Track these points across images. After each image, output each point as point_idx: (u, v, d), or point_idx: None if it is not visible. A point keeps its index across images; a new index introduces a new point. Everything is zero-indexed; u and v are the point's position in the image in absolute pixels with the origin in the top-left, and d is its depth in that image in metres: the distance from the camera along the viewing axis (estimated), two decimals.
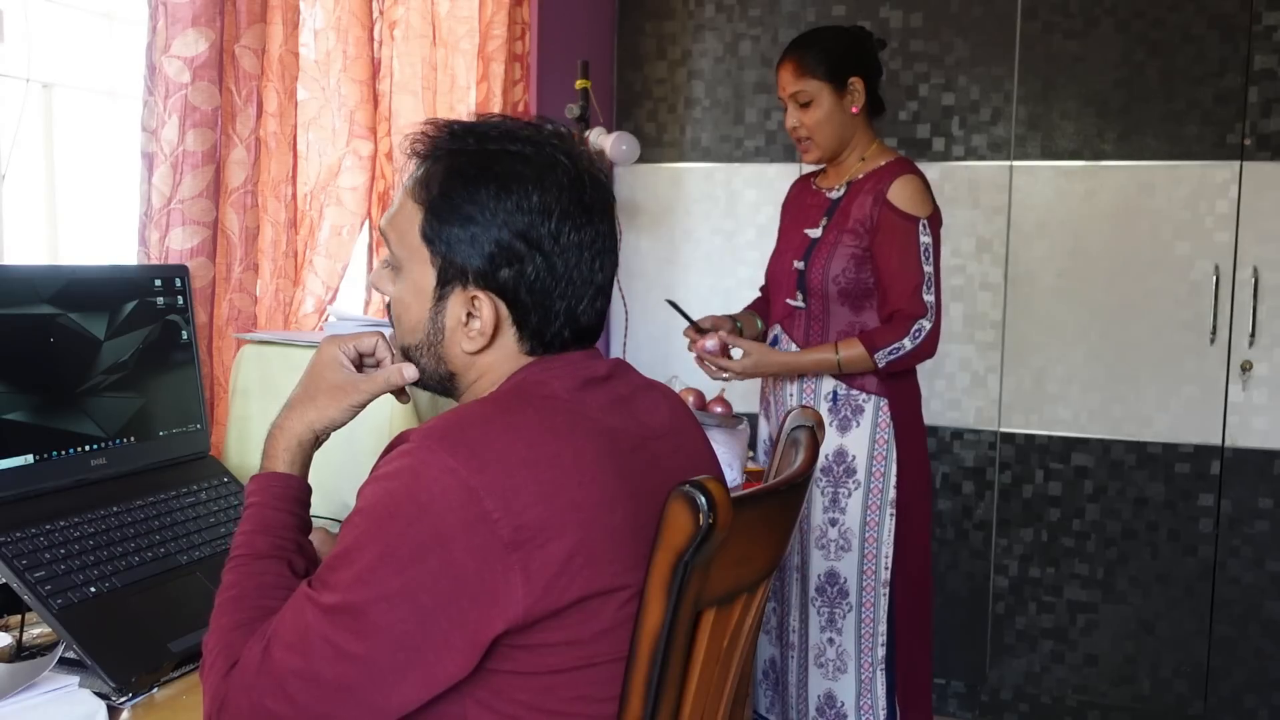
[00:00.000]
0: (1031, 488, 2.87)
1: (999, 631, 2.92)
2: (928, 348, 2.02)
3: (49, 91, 1.65)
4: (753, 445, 2.36)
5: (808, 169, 2.31)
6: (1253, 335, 2.68)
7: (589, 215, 0.95)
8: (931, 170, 2.90)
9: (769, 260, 2.27)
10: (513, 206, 0.93)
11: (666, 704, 0.87)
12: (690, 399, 2.23)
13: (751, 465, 2.15)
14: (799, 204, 2.23)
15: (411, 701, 0.85)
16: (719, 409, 2.19)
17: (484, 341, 0.96)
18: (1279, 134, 2.64)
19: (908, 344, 2.00)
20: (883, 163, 2.10)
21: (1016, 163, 2.83)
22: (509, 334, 0.96)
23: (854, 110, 2.10)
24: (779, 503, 1.00)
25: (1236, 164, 2.67)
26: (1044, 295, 2.83)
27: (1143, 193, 2.75)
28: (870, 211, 2.05)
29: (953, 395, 2.91)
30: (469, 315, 0.96)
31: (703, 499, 0.82)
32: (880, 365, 2.01)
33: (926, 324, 2.00)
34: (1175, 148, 2.71)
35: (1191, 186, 2.71)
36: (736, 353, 2.10)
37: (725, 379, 2.11)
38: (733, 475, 1.96)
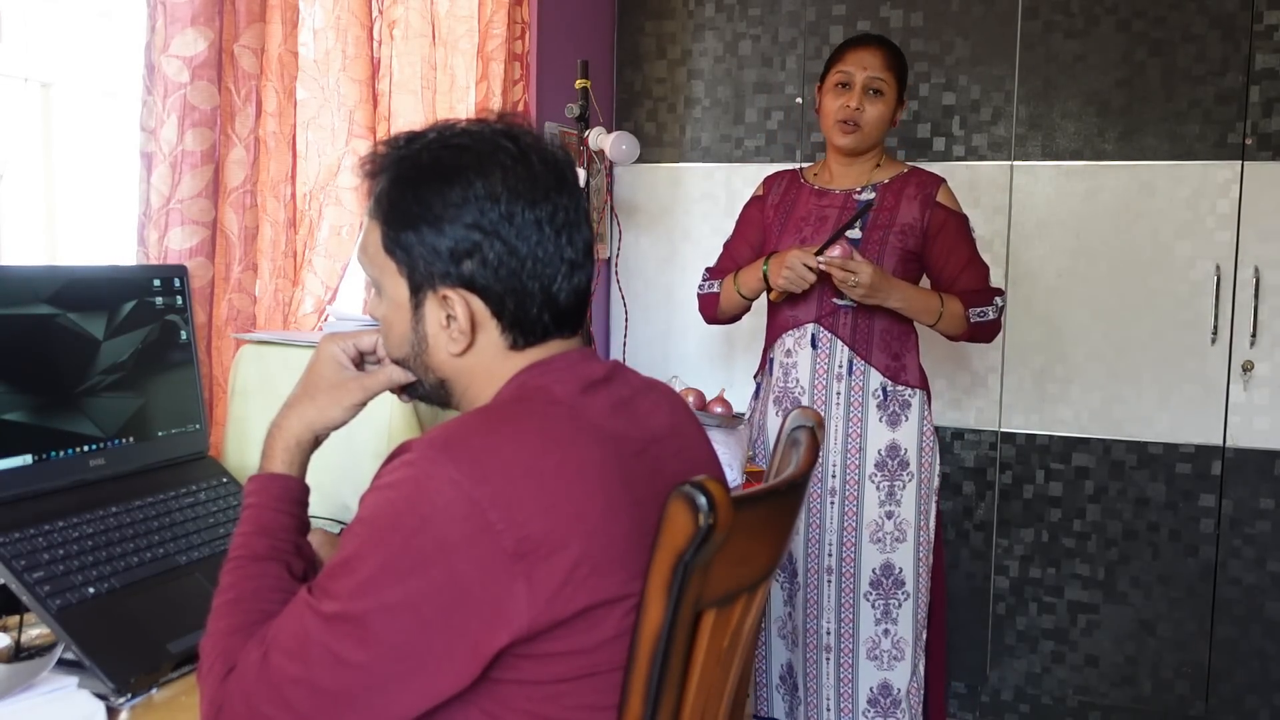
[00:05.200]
0: (1032, 488, 2.87)
1: (999, 632, 2.92)
2: (998, 324, 2.17)
3: (47, 90, 1.65)
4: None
5: (776, 168, 2.36)
6: (1254, 335, 2.68)
7: (544, 191, 0.94)
8: (931, 170, 2.89)
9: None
10: (459, 198, 0.92)
11: (666, 705, 0.87)
12: (690, 399, 2.23)
13: (751, 465, 2.14)
14: (806, 204, 2.24)
15: (412, 711, 0.85)
16: (719, 409, 2.18)
17: (465, 341, 0.95)
18: None
19: (991, 313, 2.14)
20: (905, 170, 2.22)
21: (1017, 162, 2.83)
22: (490, 329, 0.96)
23: (895, 122, 2.22)
24: (779, 503, 0.99)
25: (1238, 164, 2.66)
26: (1044, 295, 2.83)
27: (1143, 192, 2.74)
28: (921, 214, 2.15)
29: (953, 395, 2.91)
30: (448, 317, 0.95)
31: (703, 499, 0.81)
32: (970, 322, 2.13)
33: (1001, 301, 2.16)
34: (1176, 147, 2.71)
35: (1192, 186, 2.70)
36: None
37: (853, 284, 2.00)
38: (733, 475, 1.96)
